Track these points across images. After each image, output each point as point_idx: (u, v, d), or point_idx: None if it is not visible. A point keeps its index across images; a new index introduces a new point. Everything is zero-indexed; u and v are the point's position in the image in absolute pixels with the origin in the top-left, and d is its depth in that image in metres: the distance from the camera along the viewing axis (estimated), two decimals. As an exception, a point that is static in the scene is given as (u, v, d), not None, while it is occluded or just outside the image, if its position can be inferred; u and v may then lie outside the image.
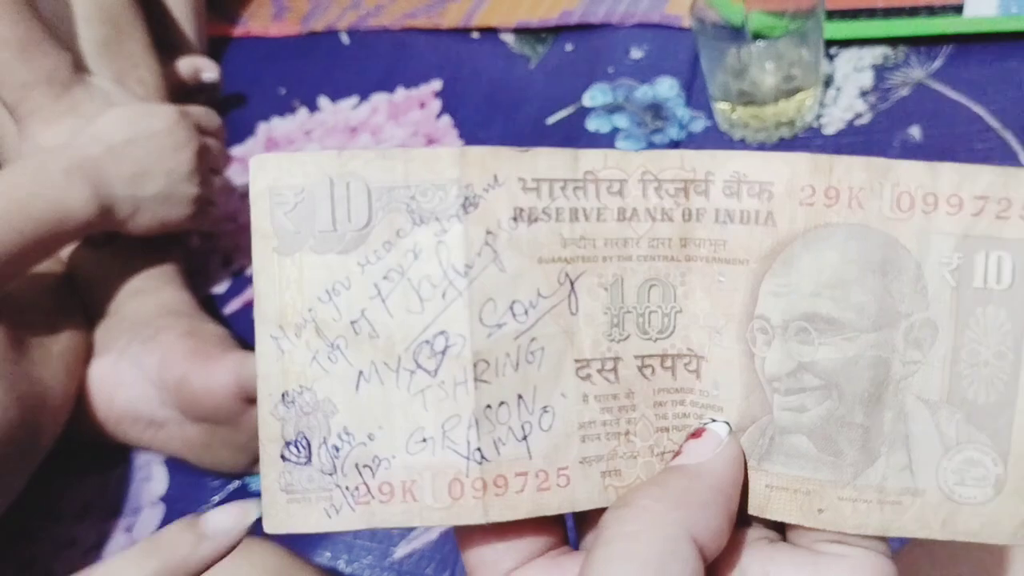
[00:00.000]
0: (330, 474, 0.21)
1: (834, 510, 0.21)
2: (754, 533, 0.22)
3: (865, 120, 0.69)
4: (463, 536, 0.22)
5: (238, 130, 0.89)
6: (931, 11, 0.72)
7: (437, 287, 0.21)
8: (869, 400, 0.21)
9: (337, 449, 0.21)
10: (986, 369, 0.21)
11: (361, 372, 0.21)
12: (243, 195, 0.80)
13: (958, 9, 0.71)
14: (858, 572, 0.20)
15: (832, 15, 0.73)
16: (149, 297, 0.65)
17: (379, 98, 0.87)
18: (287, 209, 0.21)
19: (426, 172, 0.21)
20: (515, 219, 0.21)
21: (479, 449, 0.21)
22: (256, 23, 1.01)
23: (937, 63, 0.71)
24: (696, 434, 0.22)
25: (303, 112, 0.89)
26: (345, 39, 0.95)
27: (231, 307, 0.75)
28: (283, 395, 0.21)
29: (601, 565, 0.19)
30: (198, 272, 0.76)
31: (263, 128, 0.89)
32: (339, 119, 0.87)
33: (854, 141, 0.68)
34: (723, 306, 0.22)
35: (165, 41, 0.83)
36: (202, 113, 0.69)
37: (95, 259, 0.67)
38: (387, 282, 0.21)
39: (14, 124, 0.66)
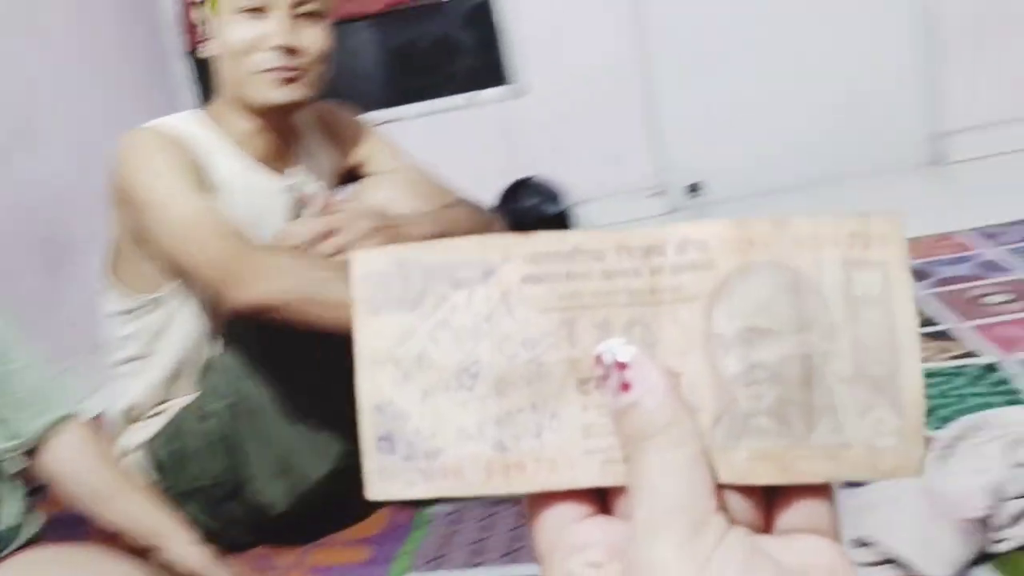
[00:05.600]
0: (407, 460, 0.30)
1: (794, 467, 0.28)
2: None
3: None
4: (532, 503, 0.30)
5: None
6: None
7: (470, 331, 0.30)
8: (803, 383, 0.28)
9: (412, 443, 0.30)
10: (878, 352, 0.28)
11: (425, 391, 0.30)
12: None
13: None
14: (816, 547, 0.28)
15: None
16: None
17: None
18: (373, 285, 0.30)
19: (459, 254, 0.30)
20: (523, 282, 0.30)
21: (502, 442, 0.30)
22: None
23: None
24: (623, 374, 0.28)
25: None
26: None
27: None
28: (376, 406, 0.30)
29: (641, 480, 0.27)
30: None
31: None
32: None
33: None
34: (688, 334, 0.29)
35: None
36: None
37: None
38: (438, 330, 0.30)
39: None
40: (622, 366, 0.28)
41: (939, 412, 1.49)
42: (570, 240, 0.30)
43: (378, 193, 1.45)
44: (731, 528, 0.27)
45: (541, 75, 3.30)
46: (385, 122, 3.36)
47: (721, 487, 0.28)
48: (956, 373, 1.63)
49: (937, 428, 1.39)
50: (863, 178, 3.26)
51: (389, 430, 0.30)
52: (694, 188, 3.41)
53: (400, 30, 3.42)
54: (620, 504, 0.29)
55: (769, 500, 0.29)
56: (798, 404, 0.28)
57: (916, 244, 2.42)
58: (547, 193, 3.23)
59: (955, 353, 1.73)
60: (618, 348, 0.28)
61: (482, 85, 3.39)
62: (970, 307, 1.94)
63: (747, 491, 0.28)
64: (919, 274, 2.20)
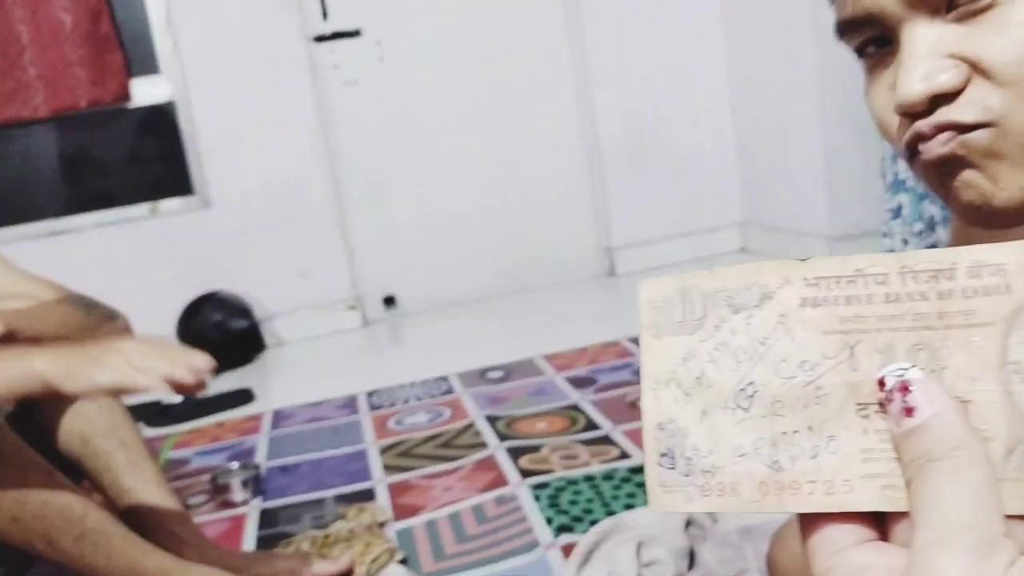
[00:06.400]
0: (686, 475, 0.31)
1: None
2: None
3: None
4: (806, 524, 0.29)
5: None
6: None
7: (747, 353, 0.30)
8: None
9: (690, 460, 0.31)
10: None
11: (703, 410, 0.31)
12: None
13: None
14: None
15: None
16: None
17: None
18: (658, 310, 0.32)
19: (737, 280, 0.31)
20: (802, 305, 0.30)
21: (777, 461, 0.30)
22: None
23: None
24: (905, 396, 0.28)
25: None
26: None
27: None
28: (658, 424, 0.32)
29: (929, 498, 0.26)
30: None
31: None
32: None
33: None
34: (979, 360, 0.28)
35: None
36: None
37: None
38: (717, 351, 0.31)
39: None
40: (906, 390, 0.27)
41: (591, 516, 1.56)
42: (852, 263, 0.29)
43: None
44: (1022, 557, 0.25)
45: (227, 186, 3.22)
46: (59, 232, 3.11)
47: (1012, 518, 0.26)
48: (607, 476, 1.73)
49: (585, 532, 1.45)
50: (546, 289, 3.48)
51: (670, 446, 0.31)
52: (389, 301, 3.44)
53: (75, 136, 3.21)
54: (898, 532, 0.28)
55: None
56: None
57: (584, 353, 2.59)
58: (233, 308, 3.11)
59: (610, 456, 1.84)
60: (903, 372, 0.28)
61: (164, 194, 3.25)
62: (627, 411, 2.09)
63: None
64: (585, 381, 2.35)
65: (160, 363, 1.09)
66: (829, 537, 0.29)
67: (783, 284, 0.30)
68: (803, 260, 0.30)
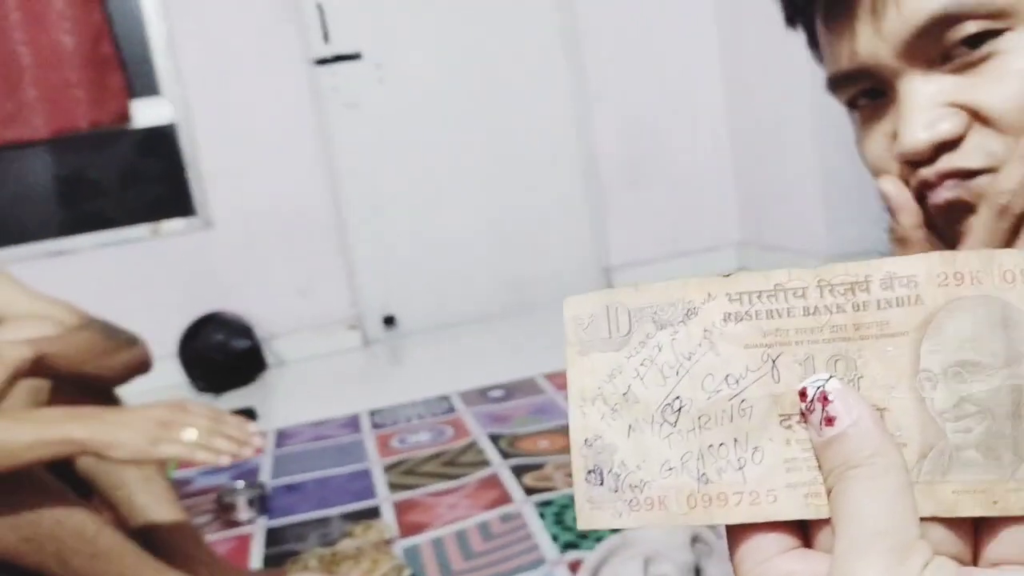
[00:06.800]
0: (614, 491, 0.31)
1: (1003, 500, 0.28)
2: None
3: None
4: (733, 535, 0.30)
5: None
6: None
7: (673, 368, 0.31)
8: (1013, 416, 0.28)
9: (618, 476, 0.31)
10: None
11: (630, 425, 0.31)
12: None
13: None
14: None
15: None
16: None
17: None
18: (583, 327, 0.32)
19: (662, 296, 0.31)
20: (725, 320, 0.31)
21: (704, 474, 0.30)
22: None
23: None
24: (827, 408, 0.29)
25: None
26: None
27: None
28: (585, 440, 0.32)
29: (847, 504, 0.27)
30: None
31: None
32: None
33: None
34: (894, 369, 0.29)
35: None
36: None
37: None
38: (643, 367, 0.31)
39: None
40: (826, 400, 0.29)
41: (596, 532, 1.58)
42: (772, 278, 0.30)
43: (20, 333, 1.35)
44: (936, 558, 0.27)
45: (228, 207, 3.24)
46: (60, 253, 3.12)
47: (925, 519, 0.28)
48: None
49: (591, 549, 1.46)
50: (546, 308, 3.49)
51: (597, 463, 0.32)
52: (389, 321, 3.46)
53: (75, 157, 3.23)
54: (821, 539, 0.29)
55: (976, 531, 0.29)
56: (1007, 437, 0.28)
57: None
58: (235, 328, 3.12)
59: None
60: (822, 383, 0.29)
61: (166, 215, 3.27)
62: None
63: (952, 523, 0.28)
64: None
65: (222, 442, 1.15)
66: (756, 547, 0.30)
67: (707, 300, 0.31)
68: (726, 276, 0.31)
